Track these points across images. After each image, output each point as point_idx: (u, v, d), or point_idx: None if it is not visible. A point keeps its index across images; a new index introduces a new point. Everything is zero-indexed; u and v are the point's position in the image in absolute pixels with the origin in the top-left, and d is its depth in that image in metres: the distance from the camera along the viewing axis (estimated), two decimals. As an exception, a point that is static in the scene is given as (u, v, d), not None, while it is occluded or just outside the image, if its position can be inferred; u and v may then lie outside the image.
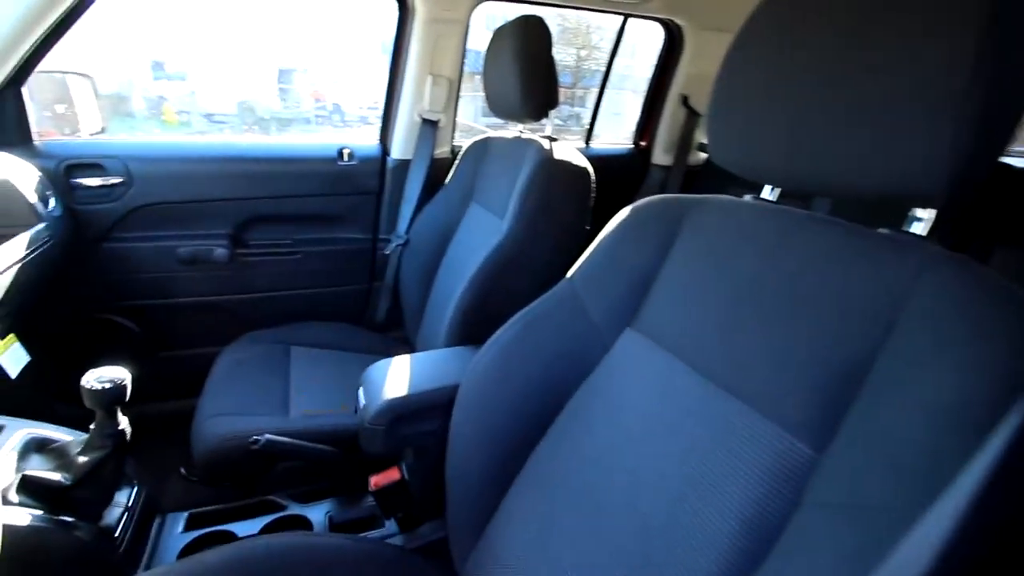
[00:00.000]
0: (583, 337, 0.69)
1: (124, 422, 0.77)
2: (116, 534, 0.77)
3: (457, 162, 1.39)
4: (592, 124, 1.96)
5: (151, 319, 1.39)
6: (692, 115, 1.86)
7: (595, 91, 1.97)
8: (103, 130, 1.44)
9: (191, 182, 1.36)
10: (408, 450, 0.92)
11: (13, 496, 0.69)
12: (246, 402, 1.07)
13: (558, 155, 1.04)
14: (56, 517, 0.70)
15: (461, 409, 0.75)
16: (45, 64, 1.17)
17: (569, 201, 1.06)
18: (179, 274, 1.38)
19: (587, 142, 1.96)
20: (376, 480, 0.86)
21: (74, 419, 0.75)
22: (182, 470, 1.04)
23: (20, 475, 0.71)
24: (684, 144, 1.89)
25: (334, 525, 0.97)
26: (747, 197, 0.64)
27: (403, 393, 0.85)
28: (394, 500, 0.89)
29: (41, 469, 0.74)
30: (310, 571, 0.66)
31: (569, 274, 0.74)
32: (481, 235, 1.18)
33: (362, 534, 0.93)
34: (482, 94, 1.23)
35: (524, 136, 1.21)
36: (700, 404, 0.54)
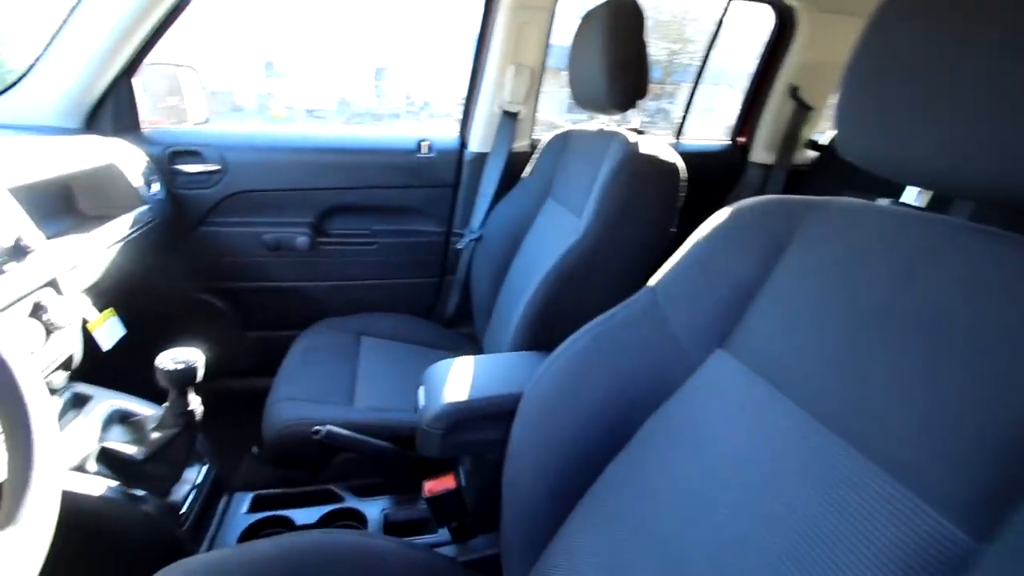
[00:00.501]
0: (664, 355, 0.60)
1: (195, 402, 0.78)
2: (182, 511, 0.79)
3: (536, 156, 1.33)
4: (684, 118, 1.81)
5: (238, 300, 1.47)
6: (801, 108, 1.66)
7: (686, 87, 1.82)
8: (207, 120, 1.53)
9: (279, 171, 1.40)
10: (466, 457, 0.88)
11: (91, 465, 0.72)
12: (314, 389, 1.08)
13: (644, 149, 0.95)
14: (128, 490, 0.73)
15: (523, 421, 0.69)
16: (156, 57, 1.26)
17: (655, 200, 0.96)
18: (264, 259, 1.44)
19: (677, 137, 1.82)
20: (430, 486, 0.82)
21: (162, 394, 0.78)
22: (254, 449, 1.07)
23: (100, 446, 0.74)
24: (790, 140, 1.70)
25: (388, 523, 0.94)
26: (883, 201, 0.52)
27: (463, 398, 0.80)
28: (448, 509, 0.85)
29: (120, 441, 0.77)
30: (356, 572, 0.63)
31: (651, 282, 0.65)
32: (556, 233, 1.11)
33: (414, 538, 0.90)
34: (567, 89, 1.16)
35: (608, 129, 1.12)
36: (807, 452, 0.43)
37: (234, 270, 1.43)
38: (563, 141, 1.26)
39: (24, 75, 1.10)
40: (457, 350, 1.36)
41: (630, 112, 1.04)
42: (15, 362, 0.43)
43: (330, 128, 1.68)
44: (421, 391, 0.86)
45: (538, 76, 1.46)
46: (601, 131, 1.11)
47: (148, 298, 1.23)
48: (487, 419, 0.81)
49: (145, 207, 1.16)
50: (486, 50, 1.43)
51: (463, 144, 1.53)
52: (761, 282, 0.54)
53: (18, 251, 0.71)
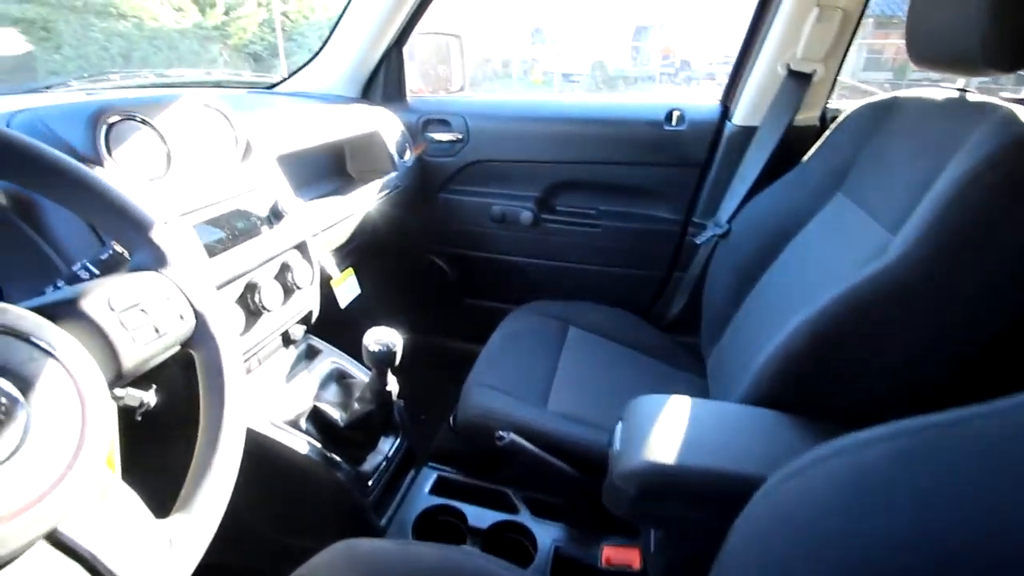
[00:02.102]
0: None
1: (392, 383, 0.78)
2: (370, 482, 0.81)
3: (828, 133, 0.98)
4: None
5: (462, 267, 1.51)
6: None
7: None
8: (462, 88, 1.57)
9: (515, 142, 1.36)
10: (659, 531, 0.69)
11: (303, 422, 0.77)
12: (511, 379, 1.02)
13: None
14: (327, 453, 0.77)
15: (754, 528, 0.47)
16: (424, 27, 1.30)
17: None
18: (490, 230, 1.44)
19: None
20: (609, 555, 0.67)
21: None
22: (451, 420, 1.08)
23: (312, 404, 0.79)
24: None
25: (558, 556, 0.83)
26: None
27: (670, 460, 0.61)
28: (626, 585, 0.69)
29: (330, 402, 0.82)
30: None
31: None
32: (845, 246, 0.79)
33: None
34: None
35: (971, 97, 0.72)
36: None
37: (462, 238, 1.47)
38: (879, 113, 0.88)
39: (319, 51, 1.25)
40: (674, 363, 1.15)
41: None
42: (228, 363, 0.45)
43: (578, 96, 1.57)
44: (619, 429, 0.70)
45: (854, 22, 1.06)
46: (959, 99, 0.72)
47: (383, 259, 1.33)
48: (697, 497, 0.60)
49: (395, 173, 1.23)
50: (779, -11, 1.09)
51: (724, 114, 1.24)
52: None
53: (274, 216, 0.77)
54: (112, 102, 0.61)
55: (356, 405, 0.78)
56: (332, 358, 0.91)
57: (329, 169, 1.22)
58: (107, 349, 0.39)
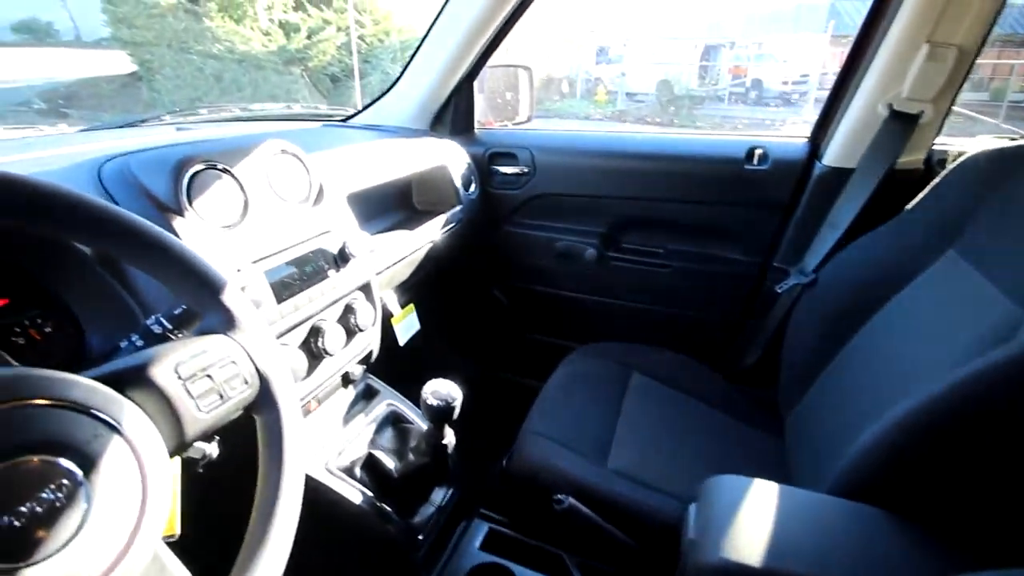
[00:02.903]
0: None
1: (449, 435, 0.75)
2: (421, 536, 0.78)
3: (939, 179, 0.88)
4: None
5: (523, 302, 1.48)
6: None
7: None
8: (528, 119, 1.56)
9: (582, 176, 1.32)
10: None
11: (357, 470, 0.76)
12: (569, 429, 0.97)
13: None
14: (379, 503, 0.75)
15: None
16: (494, 59, 1.30)
17: None
18: (552, 266, 1.40)
19: None
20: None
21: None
22: (504, 463, 1.04)
23: (368, 452, 0.77)
24: None
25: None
26: None
27: (755, 561, 0.54)
28: None
29: (385, 449, 0.80)
30: None
31: None
32: (963, 317, 0.70)
33: None
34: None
35: None
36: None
37: (524, 272, 1.44)
38: (1008, 162, 0.78)
39: (393, 84, 1.27)
40: (746, 419, 1.06)
41: None
42: (289, 430, 0.45)
43: (650, 130, 1.51)
44: (693, 511, 0.63)
45: (969, 61, 0.95)
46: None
47: (443, 293, 1.32)
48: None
49: (459, 207, 1.22)
50: (883, 22, 1.00)
51: (814, 154, 1.14)
52: None
53: (341, 258, 0.77)
54: (195, 150, 0.63)
55: (411, 456, 0.76)
56: (389, 400, 0.89)
57: (395, 202, 1.23)
58: (172, 418, 0.39)
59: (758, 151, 1.16)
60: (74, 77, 8.71)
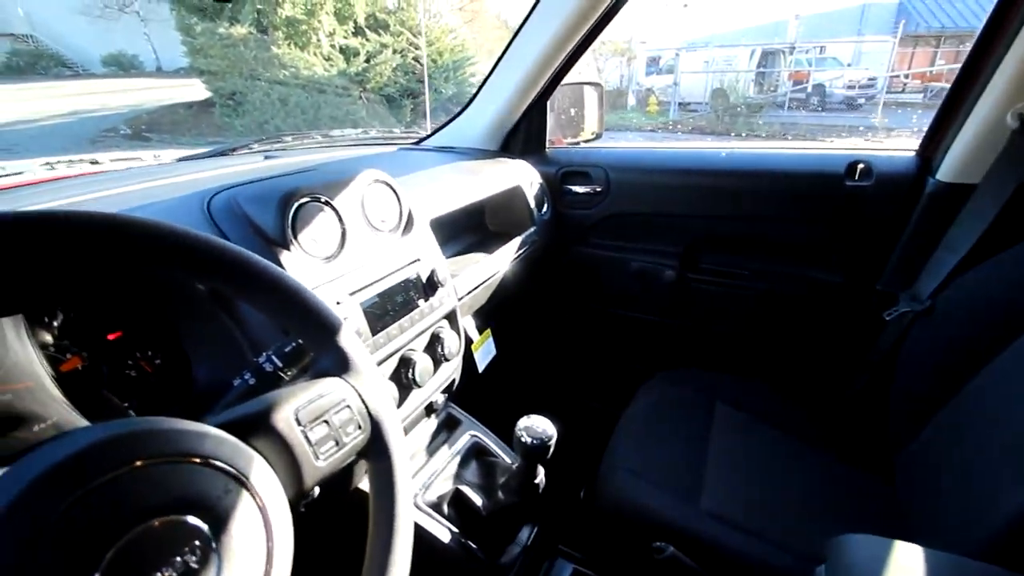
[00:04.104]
0: None
1: (541, 474, 0.71)
2: (507, 577, 0.75)
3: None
4: None
5: (597, 325, 1.43)
6: None
7: None
8: (597, 136, 1.52)
9: (657, 194, 1.27)
10: None
11: (445, 507, 0.73)
12: (657, 466, 0.91)
13: None
14: (465, 541, 0.71)
15: None
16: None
17: None
18: (628, 286, 1.35)
19: None
20: None
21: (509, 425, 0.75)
22: (582, 495, 0.99)
23: (454, 488, 0.75)
24: None
25: None
26: None
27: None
28: None
29: (472, 484, 0.77)
30: None
31: None
32: None
33: None
34: None
35: None
36: None
37: (598, 293, 1.39)
38: None
39: (467, 105, 1.26)
40: (846, 458, 0.96)
41: None
42: (400, 477, 0.43)
43: (733, 144, 1.44)
44: (822, 573, 0.57)
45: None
46: None
47: (517, 316, 1.29)
48: None
49: (533, 228, 1.20)
50: (1015, 20, 0.90)
51: (925, 169, 1.04)
52: None
53: (429, 287, 0.76)
54: (299, 184, 0.63)
55: (501, 494, 0.73)
56: (471, 431, 0.87)
57: (469, 224, 1.22)
58: (292, 468, 0.38)
59: (860, 166, 1.07)
60: (155, 104, 9.47)
